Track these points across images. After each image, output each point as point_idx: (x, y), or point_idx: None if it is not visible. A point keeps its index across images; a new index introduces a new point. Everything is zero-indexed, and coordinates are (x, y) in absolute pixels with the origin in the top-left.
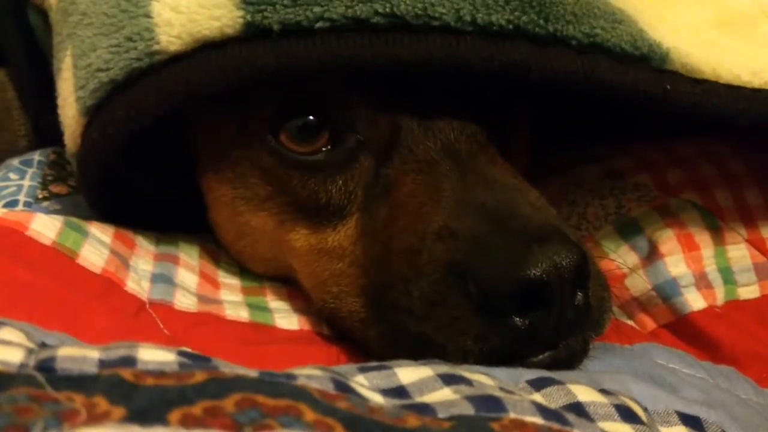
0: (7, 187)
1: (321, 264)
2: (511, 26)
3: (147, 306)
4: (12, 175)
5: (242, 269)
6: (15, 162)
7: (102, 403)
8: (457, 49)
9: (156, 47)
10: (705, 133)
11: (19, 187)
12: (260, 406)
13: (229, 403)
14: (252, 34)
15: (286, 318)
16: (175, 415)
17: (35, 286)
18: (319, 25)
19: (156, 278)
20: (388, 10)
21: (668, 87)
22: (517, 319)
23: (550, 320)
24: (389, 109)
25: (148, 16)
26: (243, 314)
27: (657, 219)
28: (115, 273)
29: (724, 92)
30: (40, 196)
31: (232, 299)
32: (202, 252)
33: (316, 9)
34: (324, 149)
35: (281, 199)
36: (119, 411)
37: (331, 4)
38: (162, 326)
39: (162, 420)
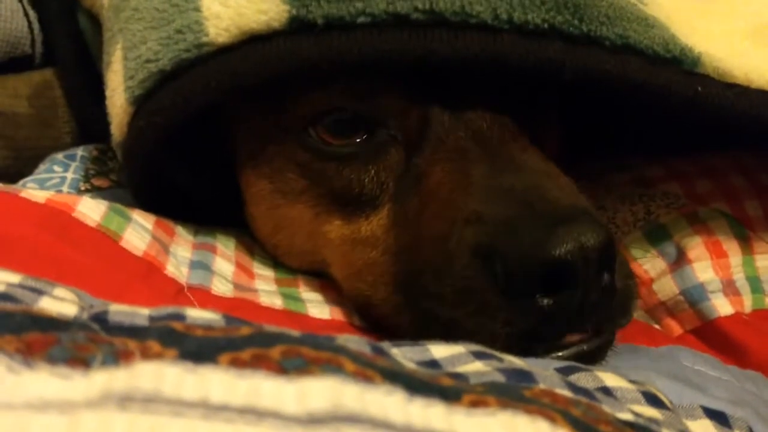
0: (51, 178)
1: (355, 253)
2: (546, 25)
3: (185, 289)
4: (56, 168)
5: (276, 263)
6: (59, 156)
7: (155, 346)
8: (494, 45)
9: (204, 39)
10: (734, 148)
11: (63, 179)
12: (304, 356)
13: (275, 352)
14: (296, 27)
15: (318, 308)
16: (225, 358)
17: (81, 263)
18: (360, 20)
19: (194, 265)
20: (427, 7)
21: (699, 89)
22: (543, 299)
23: (576, 300)
24: (419, 101)
25: (197, 9)
26: (277, 302)
27: (685, 226)
28: (156, 257)
29: (756, 96)
30: (83, 188)
31: (267, 288)
32: (238, 244)
33: (358, 4)
34: (358, 141)
35: (316, 191)
36: (172, 352)
37: (372, 0)
38: (199, 308)
39: (213, 360)
